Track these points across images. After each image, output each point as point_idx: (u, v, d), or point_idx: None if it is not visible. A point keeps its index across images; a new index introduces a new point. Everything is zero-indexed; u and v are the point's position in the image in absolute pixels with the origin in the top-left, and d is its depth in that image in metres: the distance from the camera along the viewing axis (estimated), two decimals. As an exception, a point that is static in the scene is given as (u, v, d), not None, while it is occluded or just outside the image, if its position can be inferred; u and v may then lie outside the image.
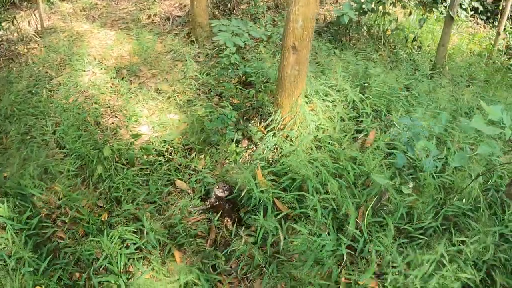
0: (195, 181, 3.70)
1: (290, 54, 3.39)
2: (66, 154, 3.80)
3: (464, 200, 3.18)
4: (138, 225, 3.20)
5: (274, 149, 3.70)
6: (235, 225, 3.50)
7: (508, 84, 5.19)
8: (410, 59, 5.40)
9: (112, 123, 4.44)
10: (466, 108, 4.34)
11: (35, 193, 3.31)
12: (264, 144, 3.75)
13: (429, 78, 5.01)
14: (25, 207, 3.23)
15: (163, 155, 3.90)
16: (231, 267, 3.28)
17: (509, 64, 5.74)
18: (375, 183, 3.09)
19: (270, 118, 3.79)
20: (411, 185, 3.15)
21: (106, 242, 2.96)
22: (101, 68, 5.11)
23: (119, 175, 3.59)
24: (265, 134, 3.87)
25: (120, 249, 2.98)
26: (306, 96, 3.95)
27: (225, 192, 3.53)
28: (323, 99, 4.04)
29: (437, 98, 4.41)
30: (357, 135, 3.90)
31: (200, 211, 3.57)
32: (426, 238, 3.02)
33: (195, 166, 3.89)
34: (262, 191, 3.25)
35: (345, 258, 2.91)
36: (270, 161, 3.66)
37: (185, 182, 3.76)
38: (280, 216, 3.20)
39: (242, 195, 3.34)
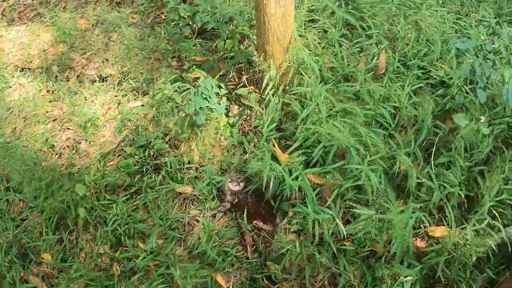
0: (196, 178, 2.85)
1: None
2: (34, 210, 2.82)
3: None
4: (163, 272, 2.37)
5: (282, 111, 2.79)
6: (269, 223, 2.69)
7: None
8: None
9: (67, 139, 3.37)
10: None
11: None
12: (267, 108, 2.83)
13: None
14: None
15: (147, 163, 2.93)
16: (289, 273, 2.55)
17: None
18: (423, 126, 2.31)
19: (267, 77, 2.81)
20: (483, 119, 2.41)
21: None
22: (27, 76, 3.87)
23: (108, 211, 2.66)
24: (263, 95, 2.92)
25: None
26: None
27: (240, 184, 2.70)
28: (313, 27, 3.06)
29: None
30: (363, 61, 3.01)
31: (221, 213, 2.74)
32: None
33: (189, 161, 2.96)
34: (295, 178, 2.42)
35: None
36: (281, 128, 2.78)
37: (187, 185, 2.86)
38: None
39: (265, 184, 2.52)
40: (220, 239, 2.68)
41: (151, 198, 2.79)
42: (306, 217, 2.57)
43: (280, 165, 2.54)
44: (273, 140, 2.71)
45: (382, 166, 2.50)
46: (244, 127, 3.10)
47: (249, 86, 3.12)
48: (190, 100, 2.91)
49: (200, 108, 2.82)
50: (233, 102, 3.24)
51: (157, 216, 2.66)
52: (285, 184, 2.52)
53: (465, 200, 2.57)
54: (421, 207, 2.47)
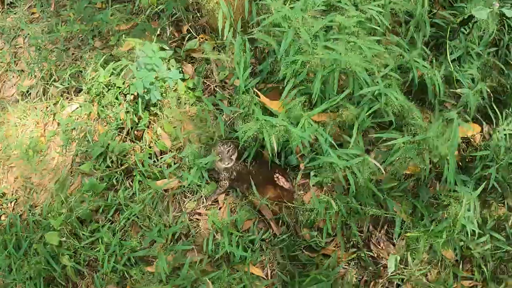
0: (178, 167, 2.24)
1: None
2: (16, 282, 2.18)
3: None
4: None
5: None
6: (284, 180, 2.09)
7: None
8: None
9: (16, 179, 2.70)
10: None
11: None
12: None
13: None
14: None
15: (114, 172, 2.25)
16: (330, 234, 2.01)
17: None
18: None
19: (220, 16, 2.09)
20: (496, 4, 1.86)
21: None
22: None
23: (95, 247, 2.05)
24: (218, 41, 2.22)
25: None
26: None
27: (232, 157, 2.05)
28: None
29: None
30: None
31: (223, 195, 2.22)
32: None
33: (161, 150, 2.31)
34: (302, 127, 1.80)
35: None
36: (257, 73, 2.11)
37: (170, 178, 2.22)
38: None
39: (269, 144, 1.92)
40: (236, 228, 2.07)
41: (136, 211, 2.13)
42: (323, 166, 1.97)
43: (276, 116, 1.89)
44: (255, 90, 2.03)
45: (396, 78, 1.88)
46: (209, 85, 2.40)
47: (197, 36, 2.37)
48: (134, 77, 2.18)
49: (150, 83, 2.09)
50: (183, 62, 2.50)
51: (155, 231, 2.01)
52: (288, 139, 1.88)
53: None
54: (459, 113, 1.92)
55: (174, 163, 2.30)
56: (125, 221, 2.16)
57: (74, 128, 2.58)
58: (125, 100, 2.44)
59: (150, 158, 2.30)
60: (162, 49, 2.28)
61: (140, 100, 2.23)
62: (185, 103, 2.34)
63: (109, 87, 2.49)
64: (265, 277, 2.12)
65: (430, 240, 2.04)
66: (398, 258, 2.09)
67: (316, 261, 2.10)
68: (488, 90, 2.17)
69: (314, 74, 1.88)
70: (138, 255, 2.05)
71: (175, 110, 2.30)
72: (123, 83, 2.50)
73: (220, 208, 2.26)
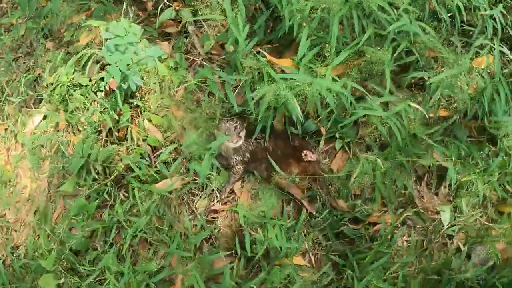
0: (179, 164, 1.82)
1: None
2: None
3: None
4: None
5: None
6: (311, 154, 1.71)
7: None
8: None
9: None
10: None
11: None
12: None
13: None
14: None
15: (104, 184, 1.83)
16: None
17: None
18: None
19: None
20: None
21: None
22: None
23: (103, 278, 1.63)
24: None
25: None
26: None
27: (241, 134, 1.66)
28: None
29: None
30: None
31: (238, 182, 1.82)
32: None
33: (153, 146, 1.89)
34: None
35: None
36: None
37: (173, 177, 1.80)
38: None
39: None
40: (263, 217, 1.68)
41: (142, 225, 1.71)
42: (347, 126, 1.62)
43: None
44: (259, 50, 1.64)
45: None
46: (193, 61, 1.97)
47: (172, 4, 1.94)
48: (102, 69, 1.74)
49: (127, 67, 1.66)
50: (157, 41, 2.06)
51: (173, 245, 1.59)
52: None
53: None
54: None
55: (173, 159, 1.88)
56: (131, 240, 1.73)
57: (43, 145, 2.11)
58: (94, 101, 1.99)
59: (142, 158, 1.87)
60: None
61: (117, 91, 1.80)
62: (169, 87, 1.92)
63: (75, 87, 2.03)
64: (308, 264, 1.75)
65: (484, 179, 1.73)
66: (451, 208, 1.78)
67: (363, 233, 1.75)
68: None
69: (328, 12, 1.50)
70: (159, 278, 1.63)
71: (160, 97, 1.87)
72: (90, 80, 2.05)
73: (239, 199, 1.87)
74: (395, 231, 1.78)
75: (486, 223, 1.79)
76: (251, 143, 1.80)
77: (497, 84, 1.62)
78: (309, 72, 1.64)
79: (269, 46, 1.83)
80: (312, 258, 1.77)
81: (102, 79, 2.05)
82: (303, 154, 1.73)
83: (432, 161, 1.64)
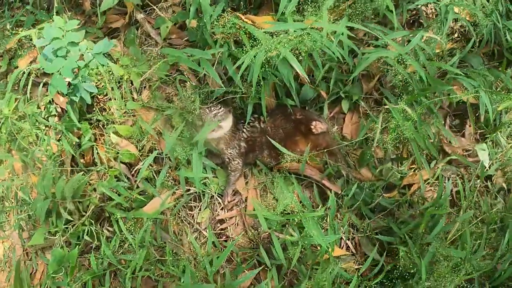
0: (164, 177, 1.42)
1: None
2: None
3: None
4: None
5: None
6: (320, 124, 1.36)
7: None
8: None
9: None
10: None
11: None
12: None
13: None
14: None
15: (82, 225, 1.44)
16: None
17: None
18: None
19: None
20: None
21: None
22: None
23: None
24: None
25: None
26: None
27: (226, 122, 1.33)
28: None
29: None
30: None
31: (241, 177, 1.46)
32: None
33: (128, 163, 1.50)
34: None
35: None
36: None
37: (162, 194, 1.42)
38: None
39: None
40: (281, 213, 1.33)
41: (140, 263, 1.32)
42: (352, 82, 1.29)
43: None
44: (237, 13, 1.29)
45: None
46: (152, 51, 1.59)
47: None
48: (47, 83, 1.36)
49: (73, 73, 1.28)
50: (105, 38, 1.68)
51: (187, 280, 1.22)
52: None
53: None
54: None
55: (155, 172, 1.51)
56: (132, 283, 1.35)
57: (3, 197, 1.70)
58: (48, 128, 1.60)
59: (118, 181, 1.48)
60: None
61: (68, 107, 1.41)
62: (130, 87, 1.54)
63: (22, 121, 1.63)
64: (347, 252, 1.40)
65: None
66: (487, 147, 1.47)
67: (401, 200, 1.42)
68: None
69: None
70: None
71: (122, 102, 1.49)
72: (38, 107, 1.66)
73: (246, 200, 1.51)
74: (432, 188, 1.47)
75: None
76: (245, 129, 1.44)
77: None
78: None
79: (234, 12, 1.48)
80: (350, 244, 1.43)
81: (51, 102, 1.67)
82: (312, 127, 1.39)
83: (467, 95, 1.31)
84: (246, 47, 1.26)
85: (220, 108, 1.37)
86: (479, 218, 1.36)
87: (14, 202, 1.72)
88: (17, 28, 1.63)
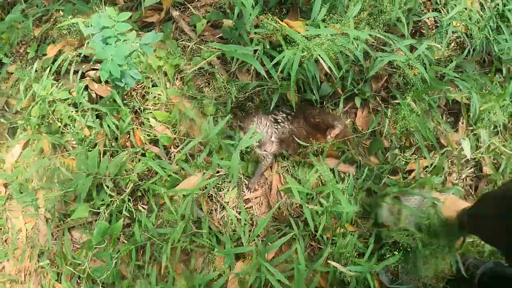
0: (202, 163, 1.65)
1: None
2: None
3: None
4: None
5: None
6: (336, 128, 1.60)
7: None
8: None
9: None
10: None
11: None
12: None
13: None
14: None
15: (119, 195, 1.59)
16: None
17: None
18: None
19: None
20: None
21: None
22: None
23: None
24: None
25: None
26: None
27: (272, 139, 1.62)
28: None
29: None
30: None
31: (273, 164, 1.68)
32: None
33: (165, 144, 1.68)
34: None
35: None
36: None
37: (195, 174, 1.61)
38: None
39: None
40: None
41: (179, 235, 1.47)
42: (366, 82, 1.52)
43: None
44: (274, 17, 1.47)
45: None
46: (185, 47, 1.76)
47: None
48: (84, 76, 1.49)
49: (125, 60, 1.43)
50: (140, 33, 1.83)
51: (229, 247, 1.38)
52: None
53: None
54: None
55: (189, 155, 1.67)
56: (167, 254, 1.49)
57: (26, 179, 1.79)
58: (82, 112, 1.72)
59: (155, 158, 1.63)
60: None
61: (114, 91, 1.55)
62: (166, 79, 1.70)
63: (55, 105, 1.74)
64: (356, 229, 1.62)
65: (500, 104, 1.71)
66: (469, 139, 1.74)
67: (400, 182, 1.66)
68: None
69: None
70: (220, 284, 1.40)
71: (159, 88, 1.65)
72: (69, 92, 1.77)
73: (271, 183, 1.70)
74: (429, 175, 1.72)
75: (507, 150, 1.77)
76: (276, 129, 1.64)
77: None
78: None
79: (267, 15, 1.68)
80: (360, 222, 1.65)
81: (85, 88, 1.79)
82: (327, 134, 1.60)
83: (461, 95, 1.58)
84: (282, 47, 1.46)
85: (266, 123, 1.56)
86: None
87: (42, 182, 1.82)
88: (58, 16, 1.74)
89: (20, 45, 1.98)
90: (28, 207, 1.81)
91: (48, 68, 1.70)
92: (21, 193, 1.81)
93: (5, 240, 1.82)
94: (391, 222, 1.52)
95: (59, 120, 1.74)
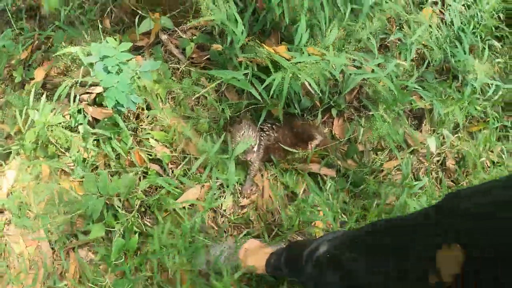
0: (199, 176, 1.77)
1: None
2: None
3: None
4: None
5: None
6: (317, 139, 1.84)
7: None
8: None
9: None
10: None
11: None
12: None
13: None
14: None
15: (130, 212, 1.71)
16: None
17: None
18: None
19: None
20: None
21: None
22: None
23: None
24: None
25: None
26: None
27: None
28: None
29: None
30: None
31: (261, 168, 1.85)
32: None
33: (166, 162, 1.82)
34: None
35: None
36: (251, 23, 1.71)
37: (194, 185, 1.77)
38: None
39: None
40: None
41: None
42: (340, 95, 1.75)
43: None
44: (262, 44, 1.64)
45: None
46: (175, 70, 1.89)
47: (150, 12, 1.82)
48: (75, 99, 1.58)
49: (128, 87, 1.55)
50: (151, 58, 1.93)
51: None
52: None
53: None
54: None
55: (187, 170, 1.82)
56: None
57: (22, 202, 1.85)
58: (74, 134, 1.80)
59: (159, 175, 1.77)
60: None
61: (116, 116, 1.65)
62: (167, 96, 1.82)
63: (51, 129, 1.81)
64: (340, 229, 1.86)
65: (460, 106, 2.01)
66: (435, 138, 2.03)
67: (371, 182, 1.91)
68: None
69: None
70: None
71: (156, 110, 1.77)
72: (63, 116, 1.85)
73: (263, 188, 1.89)
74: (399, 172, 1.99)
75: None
76: (263, 138, 1.82)
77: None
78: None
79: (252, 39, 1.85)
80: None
81: (78, 111, 1.87)
82: (308, 144, 1.81)
83: (425, 103, 1.85)
84: (269, 69, 1.64)
85: (248, 124, 1.73)
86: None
87: (41, 206, 1.87)
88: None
89: (5, 69, 2.00)
90: (28, 231, 1.86)
91: (57, 93, 1.75)
92: (19, 218, 1.86)
93: (7, 266, 1.86)
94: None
95: (57, 143, 1.81)
